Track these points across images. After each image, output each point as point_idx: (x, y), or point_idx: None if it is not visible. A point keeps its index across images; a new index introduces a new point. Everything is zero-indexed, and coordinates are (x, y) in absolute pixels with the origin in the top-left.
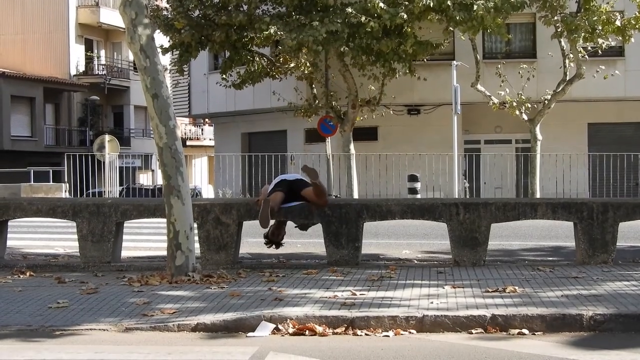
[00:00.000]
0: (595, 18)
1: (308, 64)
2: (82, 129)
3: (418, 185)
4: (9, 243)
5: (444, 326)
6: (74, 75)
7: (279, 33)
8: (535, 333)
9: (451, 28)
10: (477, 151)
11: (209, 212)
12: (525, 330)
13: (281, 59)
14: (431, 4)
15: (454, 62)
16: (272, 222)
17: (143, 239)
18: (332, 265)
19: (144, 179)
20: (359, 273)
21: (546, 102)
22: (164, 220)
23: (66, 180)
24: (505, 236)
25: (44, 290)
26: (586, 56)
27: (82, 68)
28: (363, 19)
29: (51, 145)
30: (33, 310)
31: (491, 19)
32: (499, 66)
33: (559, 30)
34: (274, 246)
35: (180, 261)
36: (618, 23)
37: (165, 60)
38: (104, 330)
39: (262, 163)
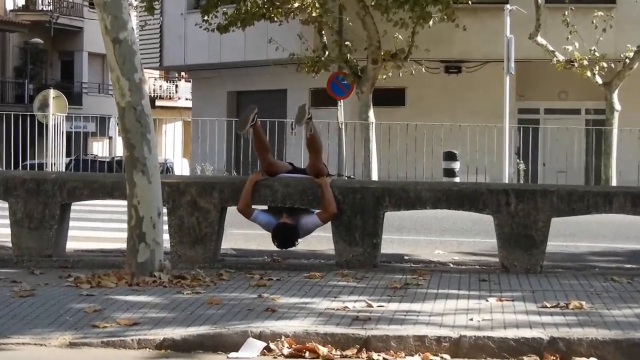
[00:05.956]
0: None
1: (317, 4)
2: (19, 80)
3: (457, 165)
4: None
5: (487, 351)
6: (10, 11)
7: None
8: None
9: None
10: (535, 123)
11: (183, 194)
12: (593, 359)
13: None
14: None
15: (507, 6)
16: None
17: (96, 226)
18: (342, 267)
19: (99, 149)
20: (377, 278)
21: (627, 61)
22: (124, 202)
23: None
24: (569, 235)
25: None
26: None
27: (21, 2)
28: None
29: None
30: None
31: None
32: (567, 12)
33: None
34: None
35: (144, 257)
36: None
37: None
38: (41, 345)
39: None
